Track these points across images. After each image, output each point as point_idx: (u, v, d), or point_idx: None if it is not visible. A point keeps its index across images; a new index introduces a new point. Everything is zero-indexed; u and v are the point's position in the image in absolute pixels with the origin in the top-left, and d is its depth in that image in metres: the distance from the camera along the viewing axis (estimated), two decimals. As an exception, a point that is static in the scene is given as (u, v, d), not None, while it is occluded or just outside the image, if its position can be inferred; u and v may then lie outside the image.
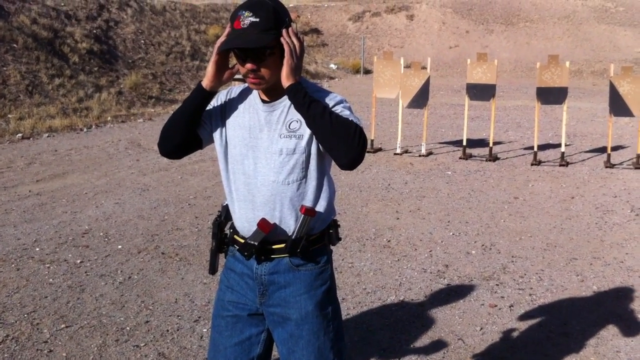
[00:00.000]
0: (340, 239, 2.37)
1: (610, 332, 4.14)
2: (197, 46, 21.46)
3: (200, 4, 26.45)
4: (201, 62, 20.45)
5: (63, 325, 4.17)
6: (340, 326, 2.33)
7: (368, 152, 9.35)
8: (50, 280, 4.96)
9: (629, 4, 30.70)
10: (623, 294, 4.80)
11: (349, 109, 2.18)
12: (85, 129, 12.32)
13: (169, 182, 8.17)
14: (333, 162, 2.17)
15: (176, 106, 15.38)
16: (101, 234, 6.11)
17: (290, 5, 30.24)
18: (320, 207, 2.23)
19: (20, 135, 11.29)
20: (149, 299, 4.62)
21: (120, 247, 5.74)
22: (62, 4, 18.18)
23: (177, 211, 6.91)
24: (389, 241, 5.97)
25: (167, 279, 5.01)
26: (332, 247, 2.35)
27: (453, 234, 6.20)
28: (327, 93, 2.21)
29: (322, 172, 2.23)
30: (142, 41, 19.43)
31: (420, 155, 10.02)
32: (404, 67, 10.56)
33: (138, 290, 4.77)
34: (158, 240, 5.94)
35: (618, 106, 9.32)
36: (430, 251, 5.70)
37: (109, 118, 13.52)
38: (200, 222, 6.49)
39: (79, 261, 5.36)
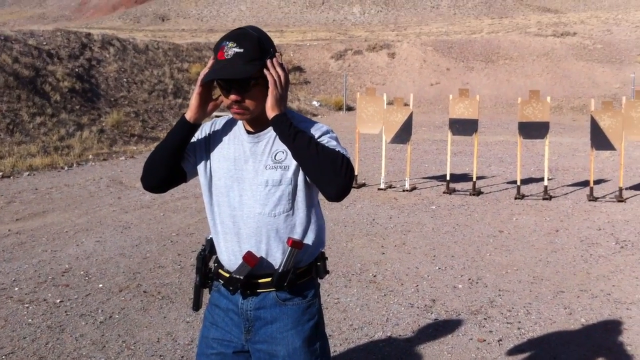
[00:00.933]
0: (328, 272, 2.31)
1: (601, 366, 4.09)
2: (180, 84, 21.51)
3: (183, 42, 26.59)
4: (184, 100, 20.47)
5: (41, 367, 4.05)
6: None
7: (352, 187, 9.35)
8: (29, 320, 4.84)
9: (606, 42, 31.31)
10: (611, 327, 4.76)
11: (336, 139, 2.14)
12: (66, 168, 12.21)
13: (151, 220, 8.07)
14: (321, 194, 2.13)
15: (158, 144, 15.29)
16: (82, 272, 5.99)
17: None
18: (308, 239, 2.18)
19: (0, 174, 11.16)
20: (130, 339, 4.50)
21: (101, 285, 5.63)
22: (44, 43, 18.19)
23: (159, 249, 6.81)
24: (374, 276, 5.91)
25: (149, 318, 4.90)
26: (319, 281, 2.30)
27: (439, 268, 6.15)
28: (313, 123, 2.18)
29: (310, 204, 2.18)
30: (125, 79, 19.45)
31: (404, 190, 10.01)
32: (387, 103, 10.61)
33: (119, 330, 4.66)
34: (140, 278, 5.83)
35: (599, 140, 9.40)
36: (417, 286, 5.64)
37: (90, 156, 13.42)
38: (183, 260, 6.39)
39: (58, 301, 5.24)
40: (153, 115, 18.43)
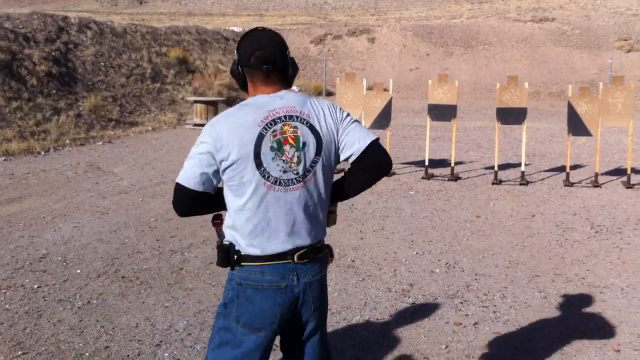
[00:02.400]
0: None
1: (574, 348, 4.16)
2: (158, 68, 21.32)
3: (162, 26, 26.35)
4: (162, 84, 20.30)
5: (20, 352, 4.04)
6: None
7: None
8: (7, 306, 4.82)
9: (584, 27, 31.49)
10: (585, 310, 4.84)
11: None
12: (43, 153, 12.09)
13: (129, 205, 8.04)
14: None
15: (136, 129, 15.32)
16: (59, 258, 5.97)
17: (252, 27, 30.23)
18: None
19: (-25, 159, 11.03)
20: (108, 324, 4.50)
21: (79, 271, 5.61)
22: (21, 27, 17.93)
23: (138, 234, 6.79)
24: (353, 261, 5.95)
25: (128, 303, 4.90)
26: None
27: (417, 253, 6.20)
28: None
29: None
30: (102, 63, 19.24)
31: (383, 176, 10.03)
32: (366, 88, 10.62)
33: (97, 315, 4.66)
34: (118, 263, 5.82)
35: (576, 126, 9.50)
36: (395, 270, 5.69)
37: (67, 141, 13.30)
38: (162, 245, 6.38)
39: (36, 286, 5.22)
40: (131, 99, 18.27)
